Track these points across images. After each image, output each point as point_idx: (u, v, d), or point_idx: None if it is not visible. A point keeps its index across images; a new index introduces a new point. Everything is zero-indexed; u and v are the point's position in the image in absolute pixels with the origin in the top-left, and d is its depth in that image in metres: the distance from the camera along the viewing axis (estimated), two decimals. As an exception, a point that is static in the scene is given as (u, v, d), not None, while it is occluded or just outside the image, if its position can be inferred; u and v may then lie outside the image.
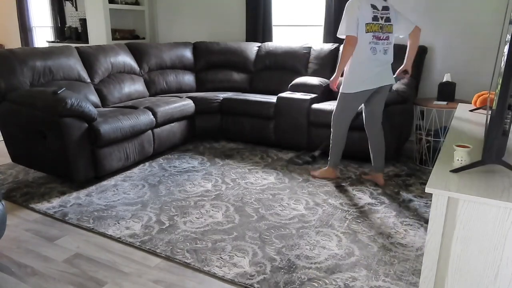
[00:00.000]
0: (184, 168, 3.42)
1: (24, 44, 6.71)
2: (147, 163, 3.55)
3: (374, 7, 2.77)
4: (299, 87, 3.88)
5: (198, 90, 4.60)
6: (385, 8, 2.82)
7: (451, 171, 1.28)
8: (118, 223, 2.49)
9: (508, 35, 1.22)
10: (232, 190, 2.97)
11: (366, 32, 2.74)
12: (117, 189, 3.00)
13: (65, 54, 3.61)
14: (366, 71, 2.81)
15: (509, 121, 1.16)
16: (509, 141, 1.22)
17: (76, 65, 3.67)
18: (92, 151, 3.00)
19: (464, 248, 1.19)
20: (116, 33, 5.32)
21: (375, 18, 2.77)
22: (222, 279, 1.95)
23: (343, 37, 2.79)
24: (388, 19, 2.82)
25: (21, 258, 2.14)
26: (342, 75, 2.95)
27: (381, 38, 2.81)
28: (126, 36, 5.43)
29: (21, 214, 2.65)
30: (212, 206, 2.71)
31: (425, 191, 1.17)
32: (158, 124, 3.57)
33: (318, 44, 4.28)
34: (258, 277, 1.95)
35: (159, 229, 2.41)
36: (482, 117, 2.07)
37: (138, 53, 4.38)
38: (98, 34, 5.15)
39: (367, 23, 2.74)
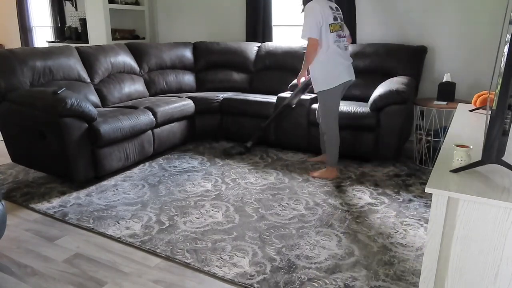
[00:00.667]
0: (184, 168, 3.42)
1: (24, 44, 6.71)
2: (147, 163, 3.55)
3: (331, 8, 2.97)
4: (299, 87, 3.88)
5: (198, 90, 4.60)
6: (337, 8, 3.06)
7: (451, 171, 1.28)
8: (118, 223, 2.49)
9: (508, 35, 1.22)
10: (232, 190, 2.97)
11: (330, 32, 2.93)
12: (117, 189, 3.00)
13: (65, 54, 3.62)
14: (339, 65, 2.99)
15: (509, 121, 1.16)
16: (509, 141, 1.22)
17: (76, 65, 3.67)
18: (92, 151, 3.00)
19: (464, 248, 1.19)
20: (116, 33, 5.32)
21: (335, 19, 2.97)
22: (222, 279, 1.95)
23: (306, 39, 2.94)
24: (342, 18, 3.07)
25: (21, 258, 2.14)
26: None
27: (342, 36, 3.03)
28: (126, 36, 5.43)
29: (21, 214, 2.65)
30: (212, 206, 2.71)
31: (425, 191, 1.17)
32: (158, 124, 3.57)
33: (318, 44, 4.27)
34: (258, 277, 1.95)
35: (159, 229, 2.41)
36: (482, 117, 2.07)
37: (138, 53, 4.38)
38: (98, 34, 5.15)
39: (330, 24, 2.92)
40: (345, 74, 3.01)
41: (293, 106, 3.62)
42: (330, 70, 2.97)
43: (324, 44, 2.93)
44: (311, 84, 3.26)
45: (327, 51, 2.94)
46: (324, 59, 2.96)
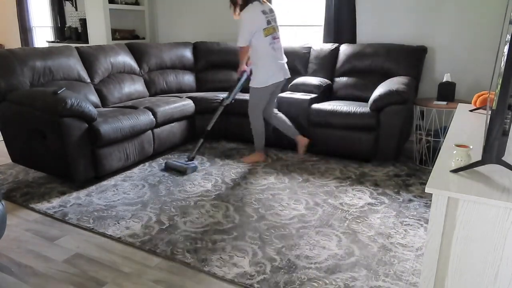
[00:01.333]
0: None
1: (24, 44, 6.71)
2: (147, 163, 3.55)
3: (264, 12, 3.20)
4: (299, 87, 3.88)
5: (198, 90, 4.60)
6: (271, 10, 3.28)
7: (451, 171, 1.28)
8: (118, 223, 2.49)
9: (508, 35, 1.22)
10: (232, 190, 2.97)
11: (265, 37, 3.21)
12: (117, 189, 3.00)
13: (65, 54, 3.61)
14: (273, 67, 3.29)
15: (509, 121, 1.16)
16: (509, 141, 1.22)
17: (76, 65, 3.67)
18: (92, 151, 3.00)
19: (464, 248, 1.19)
20: (116, 33, 5.32)
21: (268, 22, 3.22)
22: (222, 279, 1.95)
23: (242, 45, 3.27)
24: (275, 20, 3.30)
25: (21, 258, 2.14)
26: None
27: (276, 37, 3.29)
28: (126, 36, 5.43)
29: (21, 214, 2.65)
30: (212, 206, 2.71)
31: (425, 191, 1.17)
32: (158, 124, 3.57)
33: (318, 44, 4.28)
34: (258, 277, 1.95)
35: (159, 229, 2.41)
36: (482, 117, 2.07)
37: (138, 53, 4.38)
38: (98, 34, 5.15)
39: (264, 29, 3.19)
40: (279, 75, 3.34)
41: (232, 101, 3.73)
42: (265, 71, 3.28)
43: (260, 48, 3.22)
44: (240, 77, 3.54)
45: (263, 54, 3.25)
46: (260, 61, 3.27)
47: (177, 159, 3.52)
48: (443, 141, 2.32)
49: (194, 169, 3.34)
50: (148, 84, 4.34)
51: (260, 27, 3.17)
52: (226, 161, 3.61)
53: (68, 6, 6.22)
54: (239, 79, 3.61)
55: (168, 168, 3.38)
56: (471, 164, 1.26)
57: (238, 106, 3.98)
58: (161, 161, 3.61)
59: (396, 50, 3.84)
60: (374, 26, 4.12)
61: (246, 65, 3.50)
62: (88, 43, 5.26)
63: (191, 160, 3.48)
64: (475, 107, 2.27)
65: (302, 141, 3.58)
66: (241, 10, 3.22)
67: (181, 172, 3.29)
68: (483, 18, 3.63)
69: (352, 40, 4.20)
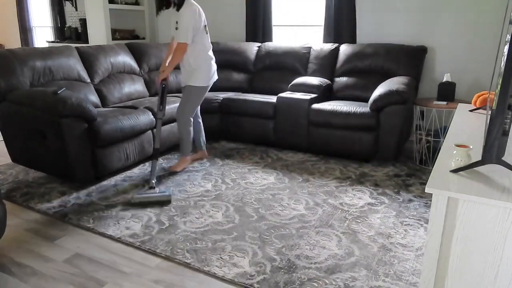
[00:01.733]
0: (184, 168, 3.42)
1: (24, 44, 6.71)
2: (147, 163, 3.55)
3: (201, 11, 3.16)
4: (299, 87, 3.88)
5: (198, 90, 4.60)
6: (202, 10, 3.19)
7: (451, 171, 1.28)
8: (118, 223, 2.49)
9: (508, 35, 1.22)
10: (232, 190, 2.97)
11: (206, 34, 3.22)
12: (117, 189, 3.00)
13: (65, 54, 3.61)
14: (212, 66, 3.31)
15: (509, 121, 1.16)
16: (509, 141, 1.22)
17: (76, 65, 3.67)
18: (92, 151, 3.00)
19: (464, 248, 1.19)
20: (116, 33, 5.32)
21: (205, 22, 3.21)
22: (222, 279, 1.95)
23: (181, 40, 3.08)
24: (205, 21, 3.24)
25: (21, 258, 2.14)
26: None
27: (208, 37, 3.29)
28: (126, 36, 5.43)
29: (21, 214, 2.65)
30: (212, 206, 2.71)
31: (425, 191, 1.17)
32: (158, 124, 3.56)
33: (318, 44, 4.28)
34: (258, 277, 1.95)
35: (159, 229, 2.41)
36: (482, 117, 2.07)
37: (138, 53, 4.37)
38: (98, 34, 5.15)
39: (205, 26, 3.19)
40: (215, 75, 3.37)
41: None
42: (208, 69, 3.27)
43: (202, 45, 3.18)
44: (164, 86, 3.22)
45: (205, 51, 3.22)
46: (203, 58, 3.22)
47: (142, 192, 2.89)
48: (443, 141, 2.32)
49: (171, 193, 2.86)
50: (148, 84, 4.34)
51: (202, 23, 3.15)
52: (226, 161, 3.61)
53: (68, 6, 6.22)
54: (163, 87, 3.20)
55: (141, 204, 2.74)
56: (471, 164, 1.26)
57: (238, 106, 3.99)
58: (161, 161, 3.61)
59: (396, 50, 3.84)
60: (374, 26, 4.12)
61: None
62: (88, 43, 5.26)
63: (153, 187, 2.92)
64: (475, 107, 2.27)
65: (202, 155, 3.62)
66: (178, 8, 3.10)
67: (164, 202, 2.76)
68: (483, 18, 3.63)
69: (352, 40, 4.20)
